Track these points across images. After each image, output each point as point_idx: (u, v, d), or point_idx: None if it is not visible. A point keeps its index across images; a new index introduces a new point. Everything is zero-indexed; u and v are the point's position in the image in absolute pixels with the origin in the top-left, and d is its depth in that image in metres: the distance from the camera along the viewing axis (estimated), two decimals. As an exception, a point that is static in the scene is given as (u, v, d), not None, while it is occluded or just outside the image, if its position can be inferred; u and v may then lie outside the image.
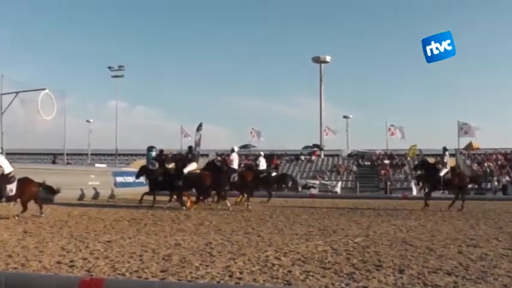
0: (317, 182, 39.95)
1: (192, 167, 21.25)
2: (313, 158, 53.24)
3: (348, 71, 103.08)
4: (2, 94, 30.40)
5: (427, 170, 22.14)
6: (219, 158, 24.47)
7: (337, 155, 54.02)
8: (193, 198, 21.17)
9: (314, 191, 35.92)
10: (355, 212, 19.90)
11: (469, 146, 50.88)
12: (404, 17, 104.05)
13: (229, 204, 20.03)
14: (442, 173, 20.79)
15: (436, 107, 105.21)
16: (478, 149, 51.27)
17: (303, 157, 53.34)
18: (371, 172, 47.37)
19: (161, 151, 24.47)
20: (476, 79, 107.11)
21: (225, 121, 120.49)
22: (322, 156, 54.52)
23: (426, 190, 22.08)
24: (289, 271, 8.09)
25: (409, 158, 48.87)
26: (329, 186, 38.87)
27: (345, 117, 69.06)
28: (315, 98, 65.43)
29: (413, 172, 36.45)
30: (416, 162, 33.66)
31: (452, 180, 20.88)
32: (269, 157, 52.33)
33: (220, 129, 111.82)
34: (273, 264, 8.63)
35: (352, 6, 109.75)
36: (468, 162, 48.65)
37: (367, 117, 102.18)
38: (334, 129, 58.79)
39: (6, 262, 8.74)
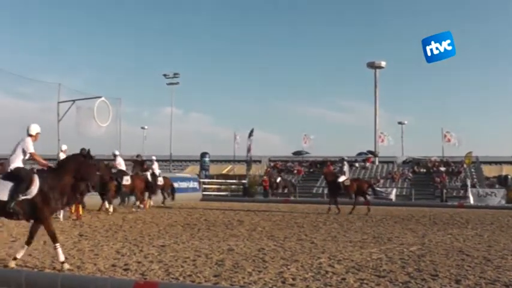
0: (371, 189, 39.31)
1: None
2: (368, 164, 52.65)
3: (402, 76, 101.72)
4: (59, 102, 31.13)
5: (326, 178, 24.54)
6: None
7: (392, 162, 53.30)
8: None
9: (368, 198, 35.41)
10: (410, 220, 19.59)
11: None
12: (459, 19, 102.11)
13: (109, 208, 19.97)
14: (340, 180, 23.08)
15: (494, 113, 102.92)
16: None
17: (357, 164, 52.82)
18: (426, 179, 46.54)
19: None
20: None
21: (277, 127, 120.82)
22: (377, 162, 53.86)
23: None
24: (343, 279, 8.03)
25: (465, 166, 47.83)
26: (384, 194, 38.29)
27: (399, 123, 68.25)
28: (369, 103, 64.91)
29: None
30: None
31: (350, 186, 23.14)
32: (322, 163, 52.33)
33: (273, 135, 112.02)
34: (327, 272, 8.58)
35: (406, 10, 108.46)
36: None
37: (422, 123, 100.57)
38: (389, 135, 58.00)
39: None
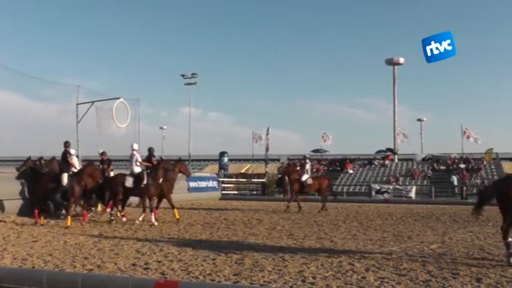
0: (391, 186, 39.20)
1: None
2: (387, 162, 52.35)
3: (422, 73, 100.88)
4: (78, 104, 31.35)
5: (289, 176, 24.23)
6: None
7: (411, 159, 52.92)
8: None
9: (388, 196, 35.28)
10: (431, 217, 19.45)
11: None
12: (475, 20, 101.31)
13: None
14: (303, 178, 23.29)
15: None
16: None
17: (376, 161, 52.57)
18: (446, 177, 46.21)
19: None
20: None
21: (296, 126, 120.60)
22: (396, 160, 53.52)
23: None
24: (363, 277, 8.00)
25: (485, 162, 47.37)
26: (403, 191, 38.12)
27: (419, 120, 67.77)
28: (388, 101, 64.46)
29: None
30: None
31: (312, 184, 23.52)
32: (341, 161, 52.21)
33: (291, 134, 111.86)
34: (347, 270, 8.55)
35: (423, 8, 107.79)
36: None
37: (441, 120, 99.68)
38: (407, 133, 57.55)
39: (83, 264, 9.03)
